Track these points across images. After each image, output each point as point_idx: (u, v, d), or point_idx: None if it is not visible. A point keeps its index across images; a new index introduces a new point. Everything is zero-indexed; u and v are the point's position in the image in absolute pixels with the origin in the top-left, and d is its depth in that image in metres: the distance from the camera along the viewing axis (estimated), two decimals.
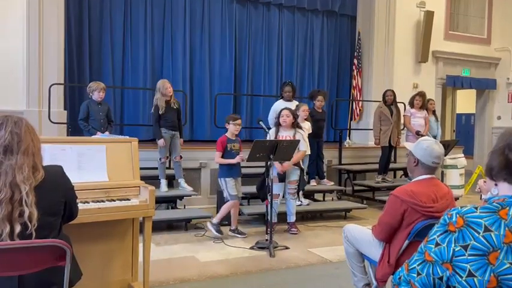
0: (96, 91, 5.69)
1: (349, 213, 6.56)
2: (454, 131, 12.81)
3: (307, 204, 6.35)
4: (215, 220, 5.21)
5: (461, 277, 1.33)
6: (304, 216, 6.27)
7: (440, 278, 1.38)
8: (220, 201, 5.78)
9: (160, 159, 5.86)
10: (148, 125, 7.31)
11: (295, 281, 4.00)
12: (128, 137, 3.75)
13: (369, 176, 8.02)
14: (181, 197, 6.05)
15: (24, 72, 6.61)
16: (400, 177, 8.23)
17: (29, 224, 1.87)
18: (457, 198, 7.09)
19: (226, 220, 5.42)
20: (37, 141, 2.02)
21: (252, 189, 5.82)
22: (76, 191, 2.24)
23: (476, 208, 1.40)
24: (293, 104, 6.17)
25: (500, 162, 1.45)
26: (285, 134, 5.29)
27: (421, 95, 7.54)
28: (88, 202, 2.87)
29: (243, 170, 5.49)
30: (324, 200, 7.16)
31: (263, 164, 5.14)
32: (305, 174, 6.03)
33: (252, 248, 4.82)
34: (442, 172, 7.27)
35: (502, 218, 1.35)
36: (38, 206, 1.90)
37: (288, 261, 4.49)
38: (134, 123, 7.92)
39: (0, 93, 6.44)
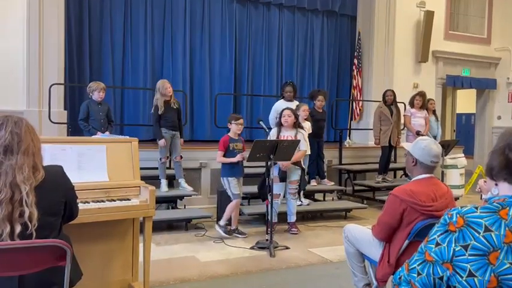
0: (96, 91, 5.69)
1: (350, 213, 6.56)
2: (454, 130, 12.81)
3: (308, 204, 6.35)
4: (222, 222, 5.21)
5: (462, 277, 1.33)
6: (305, 216, 6.27)
7: (441, 278, 1.38)
8: (221, 201, 5.78)
9: (160, 159, 5.86)
10: (149, 125, 7.31)
11: (295, 281, 4.00)
12: (128, 137, 3.76)
13: (369, 175, 8.02)
14: (181, 197, 6.05)
15: (25, 72, 6.61)
16: (401, 177, 8.23)
17: (29, 224, 1.87)
18: (457, 198, 7.09)
19: (226, 220, 5.42)
20: (37, 141, 2.02)
21: (252, 189, 5.83)
22: (76, 191, 2.24)
23: (476, 208, 1.40)
24: (293, 104, 6.17)
25: (501, 162, 1.45)
26: (287, 134, 5.29)
27: (421, 94, 7.54)
28: (88, 202, 2.87)
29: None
30: (324, 200, 7.16)
31: (264, 163, 5.14)
32: (305, 174, 6.03)
33: (252, 248, 4.82)
34: (442, 172, 7.27)
35: (502, 218, 1.35)
36: (38, 206, 1.91)
37: (289, 261, 4.49)
38: (134, 123, 7.92)
39: (0, 93, 6.44)
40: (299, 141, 5.19)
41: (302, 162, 5.58)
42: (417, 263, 1.44)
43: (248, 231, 5.43)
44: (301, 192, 6.10)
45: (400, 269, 1.51)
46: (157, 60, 8.42)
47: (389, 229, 2.74)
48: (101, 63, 7.94)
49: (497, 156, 1.46)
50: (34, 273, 1.91)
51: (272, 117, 6.43)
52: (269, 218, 4.82)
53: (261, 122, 5.58)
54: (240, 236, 5.24)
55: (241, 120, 5.21)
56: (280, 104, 6.33)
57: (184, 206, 6.19)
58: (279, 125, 5.38)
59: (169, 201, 6.08)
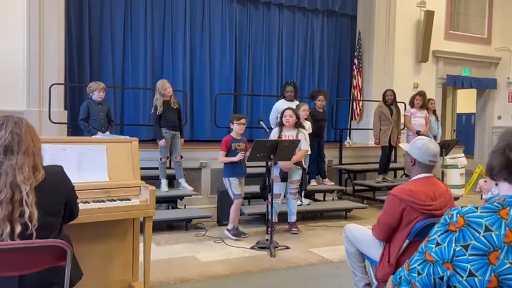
0: (96, 91, 5.69)
1: (350, 213, 6.56)
2: (454, 130, 12.81)
3: (308, 204, 6.35)
4: (230, 225, 5.21)
5: (462, 277, 1.33)
6: (305, 216, 6.27)
7: (441, 278, 1.37)
8: (221, 201, 5.78)
9: (160, 159, 5.86)
10: (149, 125, 7.31)
11: (295, 280, 4.00)
12: (128, 137, 3.76)
13: (369, 175, 8.01)
14: (181, 197, 6.05)
15: (25, 72, 6.61)
16: (401, 176, 8.23)
17: (29, 224, 1.87)
18: (457, 198, 7.09)
19: (226, 220, 5.43)
20: (37, 141, 2.02)
21: (252, 189, 5.82)
22: (76, 191, 2.24)
23: (476, 208, 1.40)
24: (294, 104, 6.17)
25: (501, 162, 1.45)
26: (288, 134, 5.30)
27: (422, 94, 7.54)
28: (88, 202, 2.87)
29: None
30: (324, 199, 7.16)
31: (265, 163, 5.13)
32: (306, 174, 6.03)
33: (252, 247, 4.82)
34: (443, 172, 7.26)
35: (503, 218, 1.35)
36: (39, 206, 1.90)
37: (289, 261, 4.48)
38: (134, 123, 7.92)
39: (1, 93, 6.44)
40: (299, 141, 5.19)
41: (303, 162, 5.58)
42: (417, 263, 1.44)
43: (248, 231, 5.43)
44: (302, 193, 6.10)
45: (401, 268, 1.51)
46: (157, 60, 8.42)
47: (389, 229, 2.74)
48: (101, 63, 7.94)
49: (497, 156, 1.46)
50: (34, 273, 1.91)
51: (272, 117, 6.43)
52: (269, 217, 4.82)
53: (261, 122, 5.58)
54: (240, 236, 5.23)
55: (243, 120, 5.21)
56: (280, 104, 6.32)
57: (185, 206, 6.19)
58: (281, 125, 5.38)
59: (170, 201, 6.08)
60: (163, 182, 5.88)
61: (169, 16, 8.41)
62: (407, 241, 2.65)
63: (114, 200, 2.98)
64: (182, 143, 6.11)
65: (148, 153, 5.96)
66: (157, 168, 5.94)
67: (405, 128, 7.61)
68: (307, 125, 6.04)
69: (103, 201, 2.94)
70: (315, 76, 9.74)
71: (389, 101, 7.32)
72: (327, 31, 9.84)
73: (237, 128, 5.15)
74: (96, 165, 3.06)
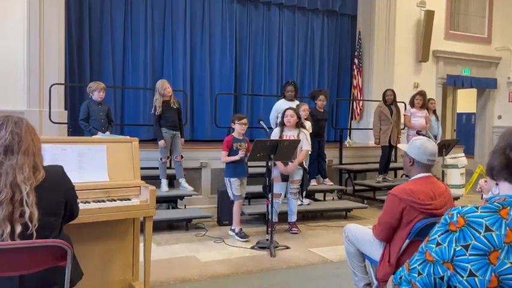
0: (96, 91, 5.69)
1: (350, 212, 6.56)
2: (454, 130, 12.81)
3: (308, 204, 6.35)
4: (237, 229, 5.20)
5: (462, 277, 1.33)
6: (305, 216, 6.27)
7: (441, 278, 1.37)
8: (221, 201, 5.78)
9: (161, 159, 5.86)
10: (149, 125, 7.31)
11: (296, 280, 4.00)
12: (128, 137, 3.76)
13: (369, 175, 8.01)
14: (182, 197, 6.05)
15: (25, 72, 6.61)
16: (401, 176, 8.22)
17: (29, 224, 1.87)
18: (457, 198, 7.10)
19: (226, 220, 5.42)
20: (37, 141, 2.02)
21: (252, 189, 5.82)
22: (77, 191, 2.24)
23: (477, 208, 1.40)
24: (294, 104, 6.17)
25: (501, 161, 1.45)
26: (289, 134, 5.30)
27: (422, 94, 7.53)
28: (89, 202, 2.87)
29: None
30: (324, 199, 7.16)
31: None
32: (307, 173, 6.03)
33: (252, 247, 4.82)
34: (443, 171, 7.26)
35: (503, 218, 1.35)
36: (39, 206, 1.90)
37: (289, 261, 4.49)
38: (134, 123, 7.91)
39: (1, 93, 6.44)
40: (299, 141, 5.19)
41: (304, 162, 5.58)
42: (418, 263, 1.44)
43: (248, 231, 5.42)
44: (304, 193, 6.09)
45: (401, 268, 1.51)
46: (157, 60, 8.41)
47: (390, 229, 2.74)
48: (101, 63, 7.93)
49: (497, 155, 1.46)
50: (35, 273, 1.91)
51: (273, 117, 6.43)
52: (269, 217, 4.82)
53: (261, 122, 5.58)
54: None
55: (244, 120, 5.21)
56: (281, 104, 6.32)
57: (185, 205, 6.19)
58: (282, 124, 5.38)
59: (170, 201, 6.08)
60: (164, 182, 5.88)
61: (169, 16, 8.40)
62: (407, 241, 2.65)
63: (114, 200, 2.98)
64: (182, 142, 6.11)
65: (149, 153, 5.96)
66: (157, 168, 5.94)
67: (405, 127, 7.60)
68: (308, 124, 6.03)
69: (103, 201, 2.94)
70: (315, 76, 9.73)
71: (389, 100, 7.32)
72: (327, 31, 9.84)
73: (239, 128, 5.15)
74: (96, 165, 3.06)
